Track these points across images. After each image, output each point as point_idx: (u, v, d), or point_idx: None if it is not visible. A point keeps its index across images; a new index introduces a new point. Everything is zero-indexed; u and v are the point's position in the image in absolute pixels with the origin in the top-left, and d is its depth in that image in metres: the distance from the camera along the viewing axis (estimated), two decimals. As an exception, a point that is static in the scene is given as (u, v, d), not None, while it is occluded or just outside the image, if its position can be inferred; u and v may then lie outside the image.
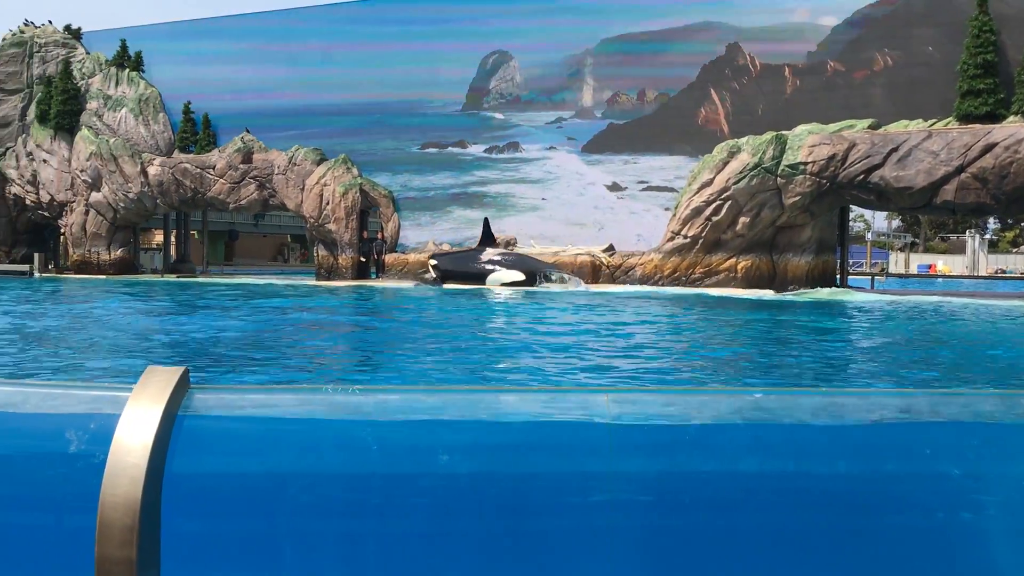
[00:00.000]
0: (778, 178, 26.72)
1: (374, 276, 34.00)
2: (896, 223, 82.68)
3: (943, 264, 64.90)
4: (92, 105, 40.03)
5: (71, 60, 40.95)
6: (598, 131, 32.02)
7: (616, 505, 1.35)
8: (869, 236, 70.33)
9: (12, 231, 41.89)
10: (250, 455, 1.39)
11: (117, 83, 39.75)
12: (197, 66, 37.74)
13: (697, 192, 27.97)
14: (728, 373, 9.48)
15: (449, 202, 33.67)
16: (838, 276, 29.99)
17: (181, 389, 1.40)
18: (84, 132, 39.49)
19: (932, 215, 47.63)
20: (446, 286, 28.61)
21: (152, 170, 37.95)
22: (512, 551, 1.36)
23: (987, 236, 68.84)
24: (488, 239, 30.76)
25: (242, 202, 36.78)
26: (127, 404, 1.35)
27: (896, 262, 66.35)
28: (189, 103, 37.67)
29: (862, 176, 25.63)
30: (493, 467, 1.39)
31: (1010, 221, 69.27)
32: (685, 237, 28.08)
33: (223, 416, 1.42)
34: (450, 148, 34.24)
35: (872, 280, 35.20)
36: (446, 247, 32.53)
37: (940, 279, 45.66)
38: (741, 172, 27.13)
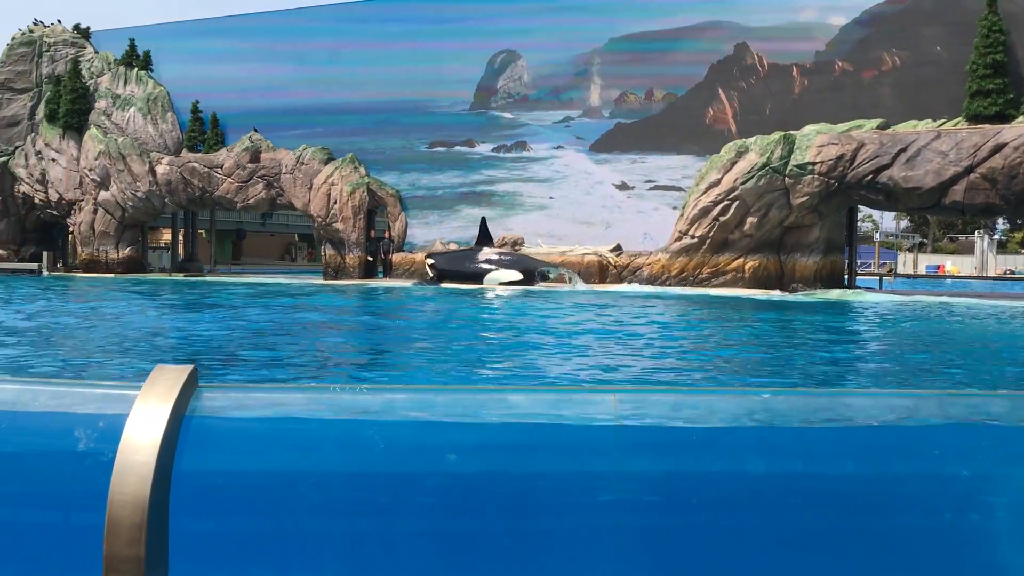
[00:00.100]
0: (786, 178, 26.66)
1: (381, 275, 34.03)
2: (904, 223, 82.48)
3: (952, 265, 64.71)
4: (101, 104, 40.14)
5: (80, 59, 41.06)
6: (606, 130, 32.00)
7: (623, 505, 1.35)
8: (877, 236, 70.18)
9: (21, 230, 42.03)
10: (258, 454, 1.40)
11: (125, 82, 39.86)
12: (205, 65, 37.82)
13: (705, 192, 27.92)
14: (735, 373, 9.47)
15: (457, 201, 33.68)
16: (846, 276, 29.91)
17: (189, 388, 1.40)
18: (93, 131, 39.61)
19: (941, 215, 47.52)
20: (443, 285, 28.66)
21: (160, 169, 38.05)
22: (519, 551, 1.36)
23: (996, 237, 68.62)
24: (485, 239, 30.80)
25: (250, 201, 36.84)
26: (135, 402, 1.36)
27: (904, 263, 66.16)
28: (197, 102, 37.75)
29: (870, 176, 25.55)
30: (500, 467, 1.39)
31: (1019, 222, 68.98)
32: (692, 237, 28.04)
33: (231, 414, 1.42)
34: (458, 147, 34.25)
35: (880, 280, 35.07)
36: (453, 246, 32.54)
37: (949, 280, 45.54)
38: (749, 172, 27.08)
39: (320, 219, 34.91)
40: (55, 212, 40.89)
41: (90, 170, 39.19)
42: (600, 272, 29.49)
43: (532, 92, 33.45)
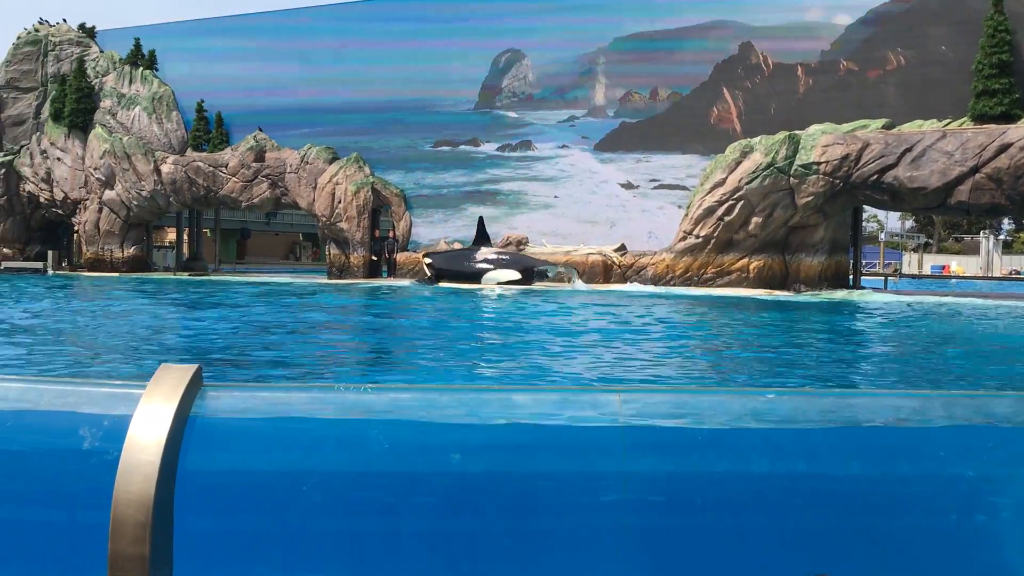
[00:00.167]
0: (791, 178, 26.62)
1: (385, 275, 34.05)
2: (910, 223, 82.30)
3: (957, 265, 64.55)
4: (106, 103, 40.20)
5: (85, 59, 41.13)
6: (610, 129, 31.99)
7: (627, 505, 1.35)
8: (882, 236, 70.00)
9: (26, 228, 42.10)
10: (262, 453, 1.40)
11: (131, 81, 39.92)
12: (210, 64, 37.86)
13: (709, 192, 27.88)
14: (742, 373, 9.46)
15: (462, 200, 33.68)
16: (851, 277, 29.86)
17: (194, 387, 1.40)
18: (98, 130, 39.67)
19: (946, 216, 47.40)
20: (441, 284, 28.74)
21: (165, 168, 38.10)
22: (523, 551, 1.36)
23: (1001, 237, 68.41)
24: (483, 238, 30.88)
25: (254, 200, 36.87)
26: (140, 401, 1.36)
27: (909, 263, 66.01)
28: (202, 101, 37.79)
29: (876, 176, 25.50)
30: (504, 467, 1.39)
31: (1025, 222, 68.81)
32: (697, 237, 28.00)
33: (235, 414, 1.42)
34: (462, 146, 34.26)
35: (886, 281, 34.99)
36: (457, 245, 32.57)
37: (954, 280, 45.44)
38: (754, 172, 27.04)
39: (324, 218, 34.93)
40: (60, 211, 40.96)
41: (95, 169, 39.25)
42: (604, 272, 29.47)
43: (537, 91, 33.45)
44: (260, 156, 36.45)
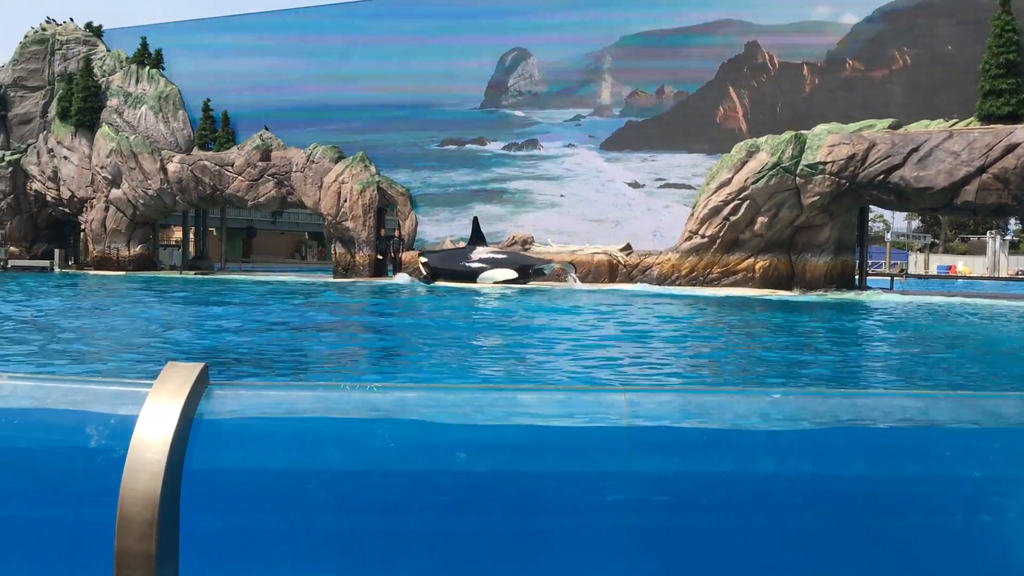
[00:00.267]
0: (797, 178, 26.58)
1: (391, 274, 34.09)
2: (916, 224, 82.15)
3: (963, 265, 64.40)
4: (112, 102, 40.28)
5: (92, 57, 41.21)
6: (616, 128, 31.99)
7: (633, 505, 1.35)
8: (888, 237, 69.87)
9: (33, 227, 42.21)
10: (268, 451, 1.40)
11: (137, 80, 40.00)
12: (216, 63, 37.91)
13: (715, 192, 27.85)
14: (746, 373, 9.45)
15: (469, 198, 33.71)
16: (857, 277, 29.80)
17: (200, 385, 1.41)
18: (104, 129, 39.75)
19: (952, 216, 47.29)
20: (437, 283, 28.88)
21: (171, 167, 38.16)
22: (529, 550, 1.36)
23: (1008, 237, 68.27)
24: (478, 238, 31.02)
25: (260, 199, 36.92)
26: (147, 400, 1.36)
27: (916, 263, 65.87)
28: (208, 100, 37.86)
29: (882, 176, 25.45)
30: (509, 466, 1.39)
31: (1031, 222, 68.62)
32: (703, 237, 27.97)
33: (241, 413, 1.43)
34: (469, 145, 34.28)
35: (892, 281, 34.90)
36: (462, 244, 32.60)
37: (960, 280, 45.35)
38: (760, 172, 27.00)
39: (330, 217, 34.96)
40: (67, 210, 41.06)
41: (102, 168, 39.34)
42: (610, 271, 29.47)
43: (543, 90, 33.45)
44: (266, 155, 36.51)
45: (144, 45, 40.13)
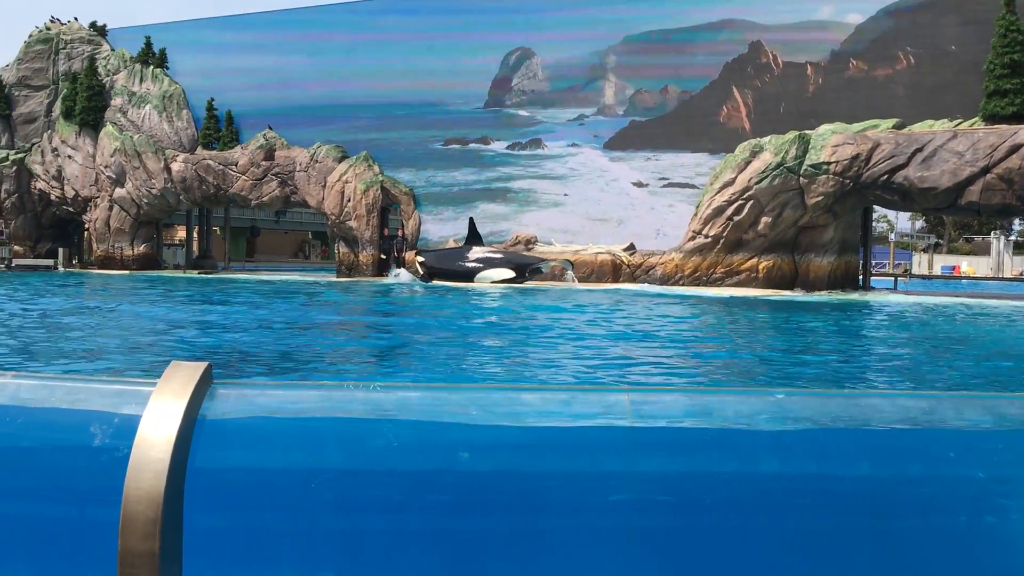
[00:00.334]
0: (801, 178, 26.55)
1: (391, 273, 34.12)
2: (920, 224, 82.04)
3: (967, 266, 64.29)
4: (116, 101, 40.35)
5: (96, 57, 41.29)
6: (620, 128, 31.99)
7: (636, 506, 1.35)
8: (892, 237, 69.81)
9: (37, 226, 42.29)
10: (272, 451, 1.40)
11: (141, 80, 40.06)
12: (220, 62, 37.98)
13: (719, 192, 27.83)
14: (749, 374, 9.44)
15: (473, 197, 33.72)
16: (860, 277, 29.76)
17: (204, 384, 1.41)
18: (108, 128, 39.81)
19: (956, 216, 47.19)
20: (434, 283, 29.00)
21: (175, 166, 38.21)
22: (531, 551, 1.36)
23: (1012, 237, 68.15)
24: (475, 238, 31.15)
25: (264, 199, 36.97)
26: (151, 399, 1.36)
27: (919, 263, 65.79)
28: (212, 100, 37.90)
29: (886, 176, 25.42)
30: (512, 466, 1.39)
31: (1036, 222, 68.42)
32: (706, 237, 27.96)
33: (245, 412, 1.43)
34: (473, 144, 34.30)
35: (895, 281, 34.87)
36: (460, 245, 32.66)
37: (964, 280, 45.26)
38: (763, 172, 26.97)
39: (334, 217, 34.99)
40: (71, 209, 41.12)
41: (106, 167, 39.40)
42: (613, 271, 29.46)
43: (547, 89, 33.46)
44: (270, 154, 36.54)
45: (148, 44, 40.18)
